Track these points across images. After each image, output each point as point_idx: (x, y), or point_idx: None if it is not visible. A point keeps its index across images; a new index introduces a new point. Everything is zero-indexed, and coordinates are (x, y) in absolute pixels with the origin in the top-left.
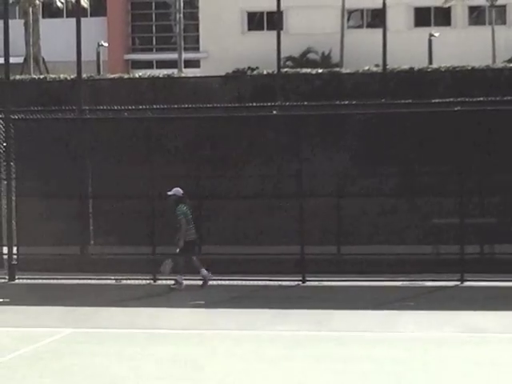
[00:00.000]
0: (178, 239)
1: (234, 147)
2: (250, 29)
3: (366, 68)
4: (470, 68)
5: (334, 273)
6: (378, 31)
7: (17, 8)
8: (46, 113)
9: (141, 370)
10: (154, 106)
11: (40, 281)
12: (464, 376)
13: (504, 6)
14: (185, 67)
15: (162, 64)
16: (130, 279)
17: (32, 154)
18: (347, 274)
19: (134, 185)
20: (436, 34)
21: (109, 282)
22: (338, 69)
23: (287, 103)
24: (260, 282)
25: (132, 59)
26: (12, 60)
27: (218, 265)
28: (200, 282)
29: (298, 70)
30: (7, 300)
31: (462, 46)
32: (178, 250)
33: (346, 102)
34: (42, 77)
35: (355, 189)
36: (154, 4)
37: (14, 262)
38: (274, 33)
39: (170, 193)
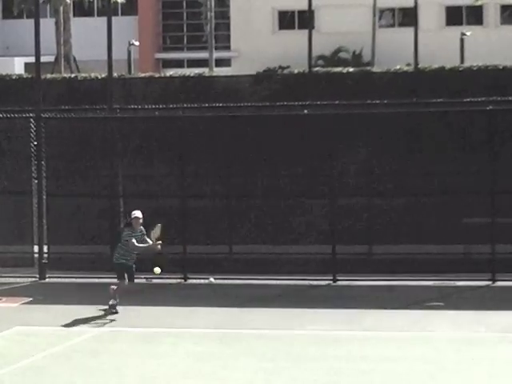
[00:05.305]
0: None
1: (265, 146)
2: (281, 28)
3: (398, 67)
4: (501, 67)
5: (364, 272)
6: (410, 30)
7: (48, 7)
8: (77, 112)
9: (170, 368)
10: (185, 105)
11: (70, 280)
12: (496, 376)
13: None
14: (216, 66)
15: (192, 63)
16: (160, 278)
17: (63, 152)
18: (378, 274)
19: (164, 184)
20: (468, 33)
21: (139, 281)
22: (369, 68)
23: (318, 102)
24: (291, 282)
25: (163, 58)
26: (43, 59)
27: (249, 264)
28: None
29: (330, 69)
30: (38, 299)
31: (493, 45)
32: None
33: (378, 101)
34: (72, 76)
35: (386, 188)
36: (185, 3)
37: (45, 261)
38: (305, 32)
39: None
